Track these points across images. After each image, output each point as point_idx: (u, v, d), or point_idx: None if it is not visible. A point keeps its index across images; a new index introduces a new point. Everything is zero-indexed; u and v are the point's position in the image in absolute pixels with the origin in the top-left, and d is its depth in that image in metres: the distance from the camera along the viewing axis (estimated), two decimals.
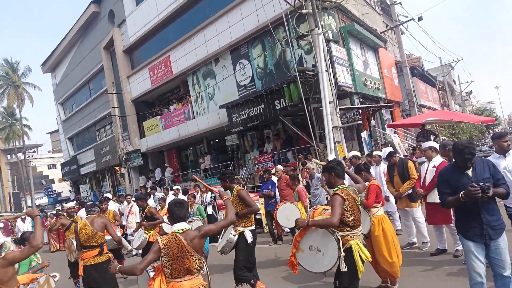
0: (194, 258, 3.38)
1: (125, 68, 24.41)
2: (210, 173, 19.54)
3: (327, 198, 8.89)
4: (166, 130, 21.33)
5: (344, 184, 4.02)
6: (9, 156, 57.63)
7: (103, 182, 30.17)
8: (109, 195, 13.30)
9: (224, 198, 4.15)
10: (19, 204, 42.28)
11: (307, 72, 13.60)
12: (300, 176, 8.51)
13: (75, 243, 6.30)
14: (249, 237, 5.26)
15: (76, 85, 31.32)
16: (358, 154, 8.45)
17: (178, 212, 3.52)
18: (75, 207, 8.35)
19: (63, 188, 40.29)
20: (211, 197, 11.38)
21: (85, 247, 5.69)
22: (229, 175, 5.68)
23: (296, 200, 7.54)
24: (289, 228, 7.83)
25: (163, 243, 3.33)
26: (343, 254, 3.76)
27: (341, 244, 3.79)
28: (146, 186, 21.51)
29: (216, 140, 22.26)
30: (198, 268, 3.43)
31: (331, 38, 14.29)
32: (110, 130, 27.57)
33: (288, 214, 7.10)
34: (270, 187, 9.22)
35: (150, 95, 23.59)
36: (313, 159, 10.98)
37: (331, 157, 9.10)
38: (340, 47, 14.87)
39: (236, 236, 5.29)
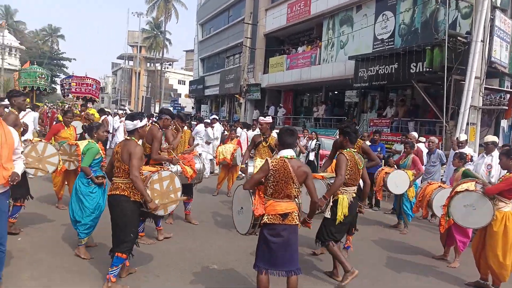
0: (295, 186, 3.57)
1: (265, 0, 24.37)
2: (321, 123, 19.23)
3: (441, 178, 8.12)
4: (289, 71, 21.23)
5: None
6: (148, 64, 63.97)
7: (222, 107, 31.93)
8: (216, 117, 13.91)
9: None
10: (148, 107, 47.17)
11: (458, 38, 12.01)
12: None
13: None
14: (361, 185, 5.41)
15: (217, 9, 32.49)
16: (496, 139, 7.46)
17: (287, 139, 3.69)
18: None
19: (187, 103, 43.77)
20: (315, 144, 11.22)
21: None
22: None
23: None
24: (395, 195, 7.40)
25: (272, 165, 3.57)
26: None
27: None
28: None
29: (335, 92, 21.58)
30: (296, 195, 3.65)
31: (498, 5, 12.21)
32: (238, 59, 28.46)
33: (397, 180, 6.91)
34: (379, 149, 8.69)
35: (282, 32, 23.42)
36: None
37: (462, 137, 8.13)
38: (507, 17, 12.66)
39: None
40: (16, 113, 5.18)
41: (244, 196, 3.82)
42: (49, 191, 7.50)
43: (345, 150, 4.53)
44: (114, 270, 3.96)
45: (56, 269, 4.38)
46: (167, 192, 4.42)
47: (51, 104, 32.92)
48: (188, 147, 6.58)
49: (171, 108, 43.95)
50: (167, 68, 56.30)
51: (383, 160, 8.94)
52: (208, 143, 11.59)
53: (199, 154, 7.89)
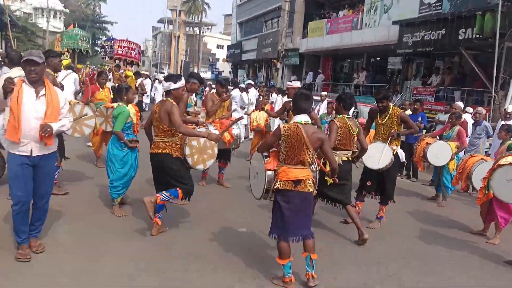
0: (309, 152, 3.49)
1: None
2: (361, 91, 18.66)
3: (486, 151, 7.71)
4: (329, 36, 20.52)
5: None
6: (187, 28, 63.89)
7: (259, 72, 31.61)
8: (251, 82, 13.73)
9: None
10: (187, 71, 47.43)
11: None
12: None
13: None
14: (402, 156, 5.43)
15: None
16: None
17: (302, 104, 3.59)
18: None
19: (225, 68, 43.67)
20: (353, 112, 10.90)
21: None
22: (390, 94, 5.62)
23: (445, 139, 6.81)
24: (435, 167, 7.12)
25: (284, 129, 3.50)
26: None
27: None
28: None
29: (378, 58, 20.77)
30: (310, 162, 3.56)
31: None
32: (277, 23, 27.79)
33: (438, 152, 6.59)
34: (419, 118, 8.30)
35: None
36: None
37: (511, 108, 7.62)
38: None
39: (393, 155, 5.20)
40: (52, 73, 5.25)
41: (259, 160, 3.83)
42: (89, 150, 7.79)
43: (337, 117, 4.84)
44: (166, 196, 4.24)
45: (92, 225, 4.57)
46: (204, 148, 4.64)
47: (93, 66, 33.78)
48: (227, 113, 6.60)
49: (209, 73, 44.51)
50: (205, 32, 56.04)
51: (424, 130, 8.58)
52: (243, 108, 11.54)
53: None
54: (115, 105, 6.42)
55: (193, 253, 4.12)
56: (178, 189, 4.26)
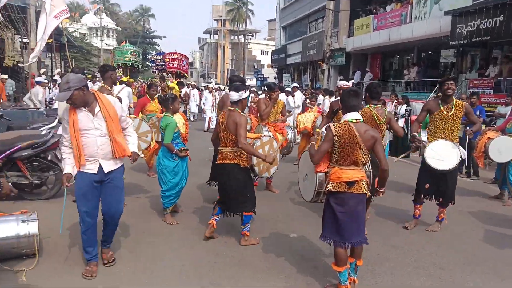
0: (362, 152, 3.30)
1: None
2: (412, 87, 17.90)
3: None
4: (376, 32, 19.90)
5: None
6: (232, 37, 64.97)
7: (304, 75, 31.33)
8: (297, 85, 13.56)
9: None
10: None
11: None
12: None
13: None
14: (464, 153, 5.00)
15: None
16: None
17: (351, 101, 3.37)
18: None
19: (270, 74, 43.77)
20: (406, 110, 10.45)
21: None
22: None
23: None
24: (498, 163, 6.62)
25: (336, 130, 3.31)
26: None
27: None
28: None
29: (429, 52, 19.82)
30: (364, 162, 3.37)
31: None
32: (321, 24, 27.44)
33: (501, 147, 6.09)
34: (478, 112, 7.78)
35: None
36: None
37: None
38: None
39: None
40: (109, 88, 5.43)
41: (309, 162, 3.67)
42: (140, 160, 8.01)
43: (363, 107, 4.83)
44: (246, 226, 4.38)
45: (145, 234, 4.67)
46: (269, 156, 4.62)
47: (144, 80, 35.18)
48: (280, 117, 6.61)
49: (254, 80, 44.82)
50: (250, 39, 56.65)
51: (483, 125, 8.04)
52: (289, 112, 11.46)
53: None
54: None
55: (244, 260, 4.09)
56: (244, 213, 4.32)
